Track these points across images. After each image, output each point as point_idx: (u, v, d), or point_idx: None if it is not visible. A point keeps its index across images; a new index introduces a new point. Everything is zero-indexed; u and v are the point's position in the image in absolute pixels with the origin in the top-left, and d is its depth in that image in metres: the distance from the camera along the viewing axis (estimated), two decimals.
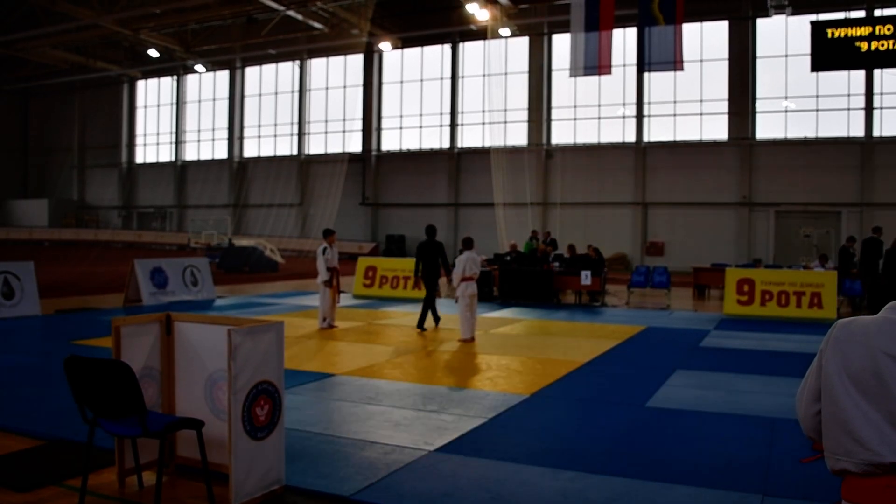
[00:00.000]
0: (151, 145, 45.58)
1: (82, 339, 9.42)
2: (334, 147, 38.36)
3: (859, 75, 27.33)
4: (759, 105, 29.67)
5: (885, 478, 1.81)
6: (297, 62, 39.01)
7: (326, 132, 38.99)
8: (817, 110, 28.67)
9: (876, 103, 27.78)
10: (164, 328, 4.42)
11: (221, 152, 42.28)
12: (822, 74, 26.73)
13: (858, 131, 27.97)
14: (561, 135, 33.23)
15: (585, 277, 15.11)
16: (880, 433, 1.82)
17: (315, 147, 39.43)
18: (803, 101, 28.86)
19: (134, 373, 3.65)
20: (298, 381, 6.98)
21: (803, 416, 2.04)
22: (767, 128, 29.59)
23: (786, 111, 29.27)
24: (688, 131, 30.88)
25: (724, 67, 29.94)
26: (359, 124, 37.55)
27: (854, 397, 1.86)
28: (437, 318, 11.59)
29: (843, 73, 26.93)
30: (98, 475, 4.30)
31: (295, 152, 39.74)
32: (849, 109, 28.17)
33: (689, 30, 26.75)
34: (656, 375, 7.71)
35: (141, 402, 3.66)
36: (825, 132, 28.50)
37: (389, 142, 37.52)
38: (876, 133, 27.75)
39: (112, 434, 3.92)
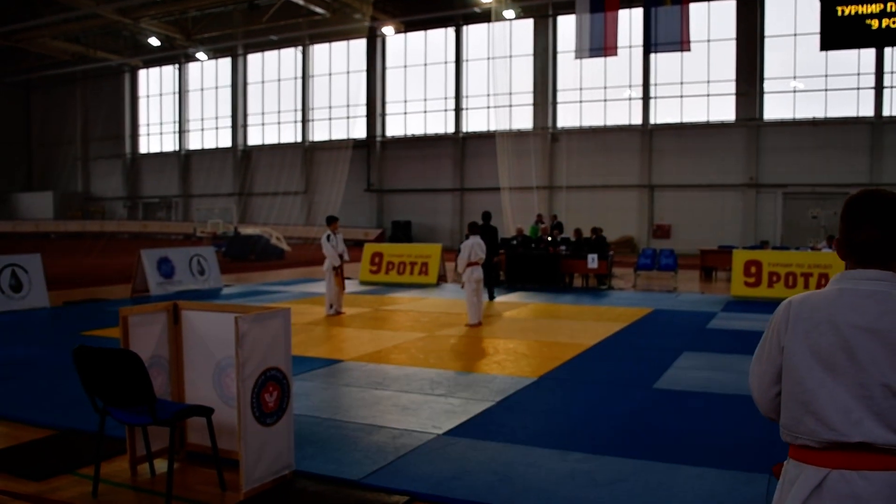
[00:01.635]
0: (155, 135, 45.52)
1: (91, 329, 9.47)
2: (338, 133, 38.23)
3: (870, 54, 26.96)
4: (766, 85, 29.37)
5: (845, 453, 1.81)
6: (300, 48, 38.78)
7: (330, 118, 38.85)
8: (826, 90, 28.35)
9: (886, 82, 27.44)
10: (172, 317, 4.44)
11: (225, 141, 42.21)
12: (832, 53, 26.38)
13: (868, 111, 27.66)
14: (566, 118, 33.02)
15: (592, 261, 15.08)
16: (846, 413, 1.79)
17: (319, 134, 39.31)
18: (812, 80, 28.53)
19: (143, 361, 3.68)
20: (307, 368, 7.02)
21: (760, 399, 1.99)
22: (775, 108, 29.30)
23: (794, 91, 28.96)
24: (694, 113, 30.62)
25: (731, 47, 29.61)
26: (363, 110, 37.39)
27: (820, 377, 1.82)
28: (491, 295, 12.88)
29: (853, 52, 26.57)
30: (110, 463, 4.35)
31: (299, 139, 39.63)
32: (858, 89, 27.83)
33: (696, 9, 26.44)
34: (664, 357, 7.71)
35: (150, 391, 3.69)
36: (834, 112, 28.20)
37: (394, 127, 37.37)
38: (886, 113, 27.43)
39: (123, 423, 3.96)
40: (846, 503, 1.79)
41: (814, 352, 1.84)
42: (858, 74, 27.75)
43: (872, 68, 27.44)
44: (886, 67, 27.28)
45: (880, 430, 1.77)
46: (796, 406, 1.86)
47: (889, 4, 20.05)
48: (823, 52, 26.75)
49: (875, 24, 20.34)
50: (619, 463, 4.39)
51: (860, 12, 20.43)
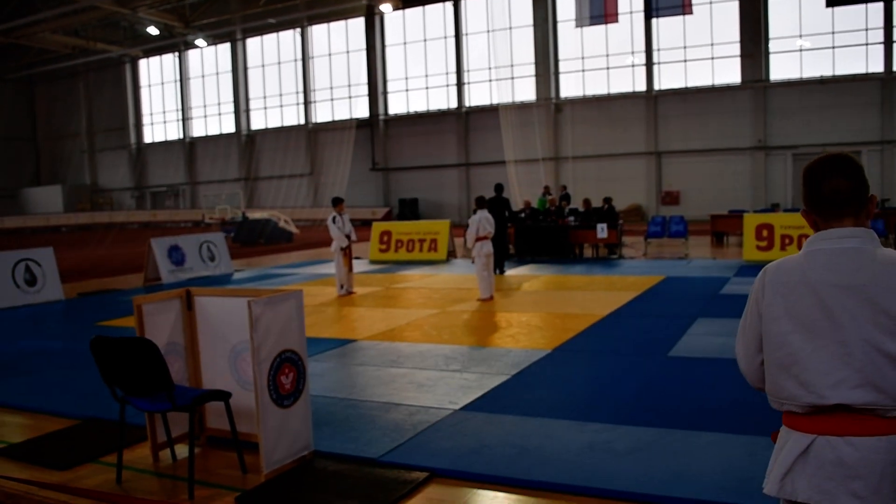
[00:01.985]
0: (159, 124, 45.58)
1: (106, 320, 9.55)
2: (341, 114, 38.08)
3: (878, 8, 26.41)
4: (772, 45, 28.89)
5: (827, 416, 1.79)
6: (298, 30, 38.48)
7: (332, 99, 38.66)
8: (833, 47, 27.86)
9: None
10: (185, 304, 4.45)
11: (229, 126, 42.18)
12: (838, 10, 25.91)
13: (878, 67, 27.18)
14: (569, 88, 32.67)
15: (601, 230, 15.00)
16: (825, 374, 1.77)
17: (322, 115, 39.17)
18: (819, 38, 28.03)
19: (159, 349, 3.70)
20: (320, 349, 7.04)
21: (747, 369, 1.97)
22: (782, 68, 28.85)
23: (800, 50, 28.48)
24: (699, 77, 30.21)
25: (734, 8, 29.08)
26: (364, 89, 37.17)
27: (799, 340, 1.80)
28: (501, 269, 13.18)
29: (860, 7, 26.06)
30: (132, 450, 4.39)
31: (302, 121, 39.50)
32: (867, 45, 27.31)
33: None
34: (678, 325, 7.69)
35: (168, 378, 3.71)
36: (843, 70, 27.73)
37: (396, 105, 37.14)
38: None
39: (142, 410, 3.99)
40: (831, 469, 1.76)
41: (791, 315, 1.81)
42: (867, 30, 27.21)
43: (881, 23, 26.89)
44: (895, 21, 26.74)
45: (860, 392, 1.74)
46: (777, 371, 1.85)
47: None
48: (829, 9, 26.29)
49: None
50: (638, 432, 4.38)
51: None
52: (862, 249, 1.79)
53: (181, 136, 44.10)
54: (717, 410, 4.79)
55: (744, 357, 1.98)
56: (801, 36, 28.36)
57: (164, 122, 45.15)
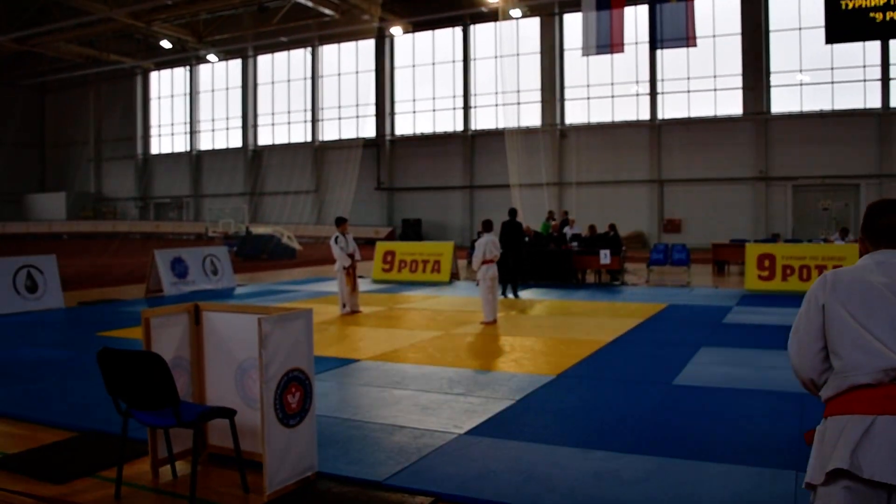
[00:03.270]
0: (166, 136, 45.73)
1: (107, 330, 9.48)
2: (348, 133, 38.30)
3: (875, 46, 26.81)
4: (773, 79, 29.22)
5: (890, 387, 2.00)
6: (309, 49, 38.88)
7: (340, 118, 38.92)
8: (833, 83, 28.18)
9: (892, 73, 27.33)
10: (193, 318, 4.43)
11: (236, 141, 42.37)
12: (837, 46, 26.21)
13: (875, 102, 27.50)
14: (575, 114, 32.95)
15: (605, 256, 15.00)
16: (886, 339, 2.04)
17: (329, 133, 39.41)
18: (818, 73, 28.36)
19: (167, 364, 3.67)
20: (323, 368, 6.97)
21: (802, 360, 2.20)
22: (782, 101, 29.15)
23: (801, 84, 28.79)
24: (702, 107, 30.49)
25: (737, 42, 29.47)
26: (372, 109, 37.46)
27: (860, 319, 2.08)
28: (515, 293, 13.21)
29: (859, 45, 26.40)
30: (131, 466, 4.31)
31: (309, 139, 39.73)
32: (865, 81, 27.66)
33: (701, 4, 26.31)
34: (682, 353, 7.65)
35: (174, 393, 3.67)
36: (841, 104, 28.03)
37: (403, 126, 37.39)
38: (893, 104, 27.31)
39: (146, 425, 3.94)
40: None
41: (853, 304, 2.11)
42: (864, 66, 27.57)
43: (878, 60, 27.27)
44: (892, 59, 27.18)
45: None
46: (844, 346, 2.10)
47: None
48: (829, 45, 26.60)
49: (879, 17, 20.26)
50: (644, 461, 4.34)
51: (864, 6, 20.36)
52: None
53: (188, 149, 44.26)
54: (724, 440, 4.74)
55: (798, 350, 2.23)
56: (801, 70, 28.70)
57: (172, 134, 45.30)
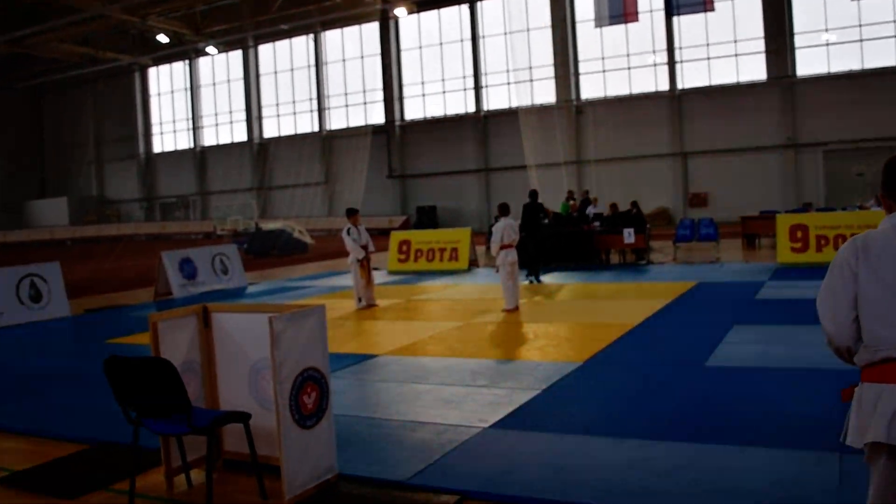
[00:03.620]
0: (168, 133, 45.24)
1: (116, 337, 9.27)
2: (356, 120, 37.85)
3: None
4: (797, 40, 28.34)
5: None
6: (311, 36, 38.36)
7: (347, 105, 38.47)
8: (861, 40, 27.25)
9: None
10: (202, 320, 4.30)
11: (241, 135, 41.92)
12: (864, 1, 25.31)
13: None
14: (590, 89, 32.31)
15: (629, 235, 14.66)
16: None
17: (336, 122, 38.92)
18: (845, 32, 27.43)
19: (177, 369, 3.54)
20: (340, 365, 6.79)
21: (838, 328, 2.18)
22: (808, 64, 28.29)
23: (827, 44, 27.89)
24: (723, 74, 29.72)
25: (757, 4, 28.61)
26: (380, 95, 36.86)
27: (891, 297, 2.08)
28: (538, 277, 12.84)
29: None
30: (145, 476, 4.20)
31: (316, 129, 39.27)
32: None
33: None
34: (713, 333, 7.39)
35: (186, 399, 3.56)
36: (872, 63, 27.10)
37: (413, 110, 36.95)
38: None
39: (157, 433, 3.83)
40: None
41: (880, 278, 2.10)
42: (895, 21, 26.55)
43: None
44: None
45: None
46: (873, 322, 2.11)
47: None
48: (855, 1, 25.69)
49: None
50: (678, 448, 4.17)
51: None
52: None
53: (192, 146, 43.76)
54: (761, 424, 4.55)
55: (832, 318, 2.20)
56: (826, 30, 27.79)
57: (174, 131, 44.83)
